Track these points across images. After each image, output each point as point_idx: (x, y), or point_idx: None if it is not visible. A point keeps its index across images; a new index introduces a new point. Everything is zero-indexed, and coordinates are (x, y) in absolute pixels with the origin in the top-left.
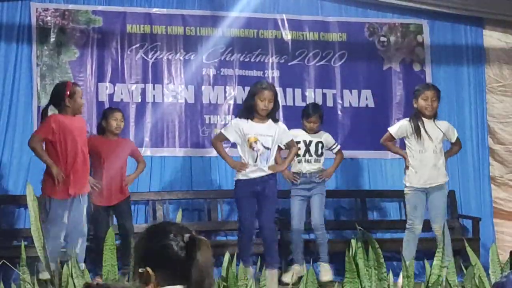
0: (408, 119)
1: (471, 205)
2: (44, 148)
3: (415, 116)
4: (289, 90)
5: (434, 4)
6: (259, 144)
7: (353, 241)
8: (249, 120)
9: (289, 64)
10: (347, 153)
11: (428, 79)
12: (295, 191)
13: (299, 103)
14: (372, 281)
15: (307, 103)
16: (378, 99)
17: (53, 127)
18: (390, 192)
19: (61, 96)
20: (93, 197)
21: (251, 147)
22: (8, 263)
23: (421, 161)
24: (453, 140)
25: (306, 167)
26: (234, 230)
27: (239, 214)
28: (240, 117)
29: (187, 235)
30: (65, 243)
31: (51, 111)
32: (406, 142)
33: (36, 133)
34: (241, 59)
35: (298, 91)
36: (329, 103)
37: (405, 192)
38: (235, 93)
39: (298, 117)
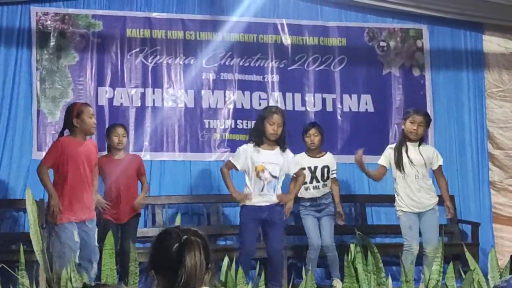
0: (393, 145)
1: (470, 210)
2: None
3: (400, 142)
4: (288, 95)
5: (433, 9)
6: (267, 173)
7: (352, 246)
8: (257, 147)
9: (289, 68)
10: (346, 158)
11: (428, 84)
12: (305, 211)
13: (298, 107)
14: (371, 285)
15: (307, 107)
16: (378, 104)
17: (58, 151)
18: (390, 197)
19: (69, 117)
20: (105, 213)
21: (258, 176)
22: (7, 267)
23: (404, 188)
24: (434, 168)
25: (314, 194)
26: (233, 235)
27: (240, 238)
28: (248, 143)
29: (184, 238)
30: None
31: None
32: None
33: (44, 162)
34: (241, 63)
35: (297, 96)
36: (329, 107)
37: (397, 215)
38: (235, 98)
39: (297, 121)
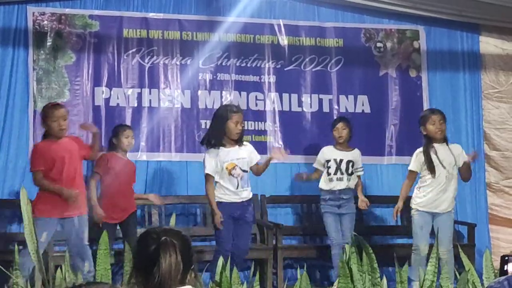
0: (421, 149)
1: (466, 211)
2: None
3: (427, 144)
4: (285, 95)
5: (430, 10)
6: (238, 169)
7: (347, 246)
8: (221, 148)
9: (286, 69)
10: None
11: (424, 85)
12: (326, 208)
13: (295, 108)
14: (365, 286)
15: (303, 108)
16: (374, 105)
17: (39, 156)
18: (386, 198)
19: (42, 120)
20: (104, 215)
21: (230, 174)
22: (2, 267)
23: (432, 186)
24: (460, 165)
25: (337, 185)
26: None
27: (217, 236)
28: (210, 146)
29: (162, 239)
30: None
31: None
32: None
33: (34, 170)
34: (238, 64)
35: (294, 97)
36: (326, 108)
37: (412, 213)
38: (232, 98)
39: (294, 122)
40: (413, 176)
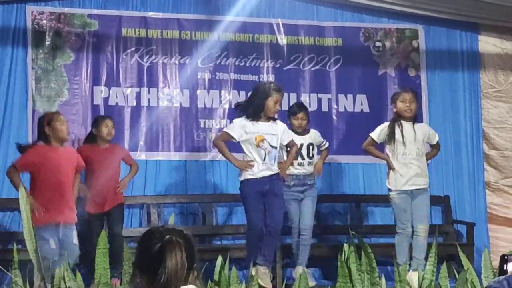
0: (387, 123)
1: (465, 210)
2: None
3: (393, 120)
4: (284, 95)
5: (429, 9)
6: (266, 143)
7: (345, 246)
8: (252, 120)
9: (284, 68)
10: (341, 158)
11: (423, 84)
12: (289, 194)
13: None
14: (364, 285)
15: None
16: (373, 104)
17: (31, 160)
18: (385, 197)
19: (41, 127)
20: (87, 206)
21: (258, 145)
22: (1, 267)
23: (405, 164)
24: (434, 143)
25: (299, 170)
26: (229, 234)
27: (248, 215)
28: (245, 117)
29: (166, 237)
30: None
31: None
32: (387, 146)
33: (13, 165)
34: (236, 63)
35: (293, 96)
36: (324, 107)
37: (390, 196)
38: (230, 97)
39: None
40: (370, 143)
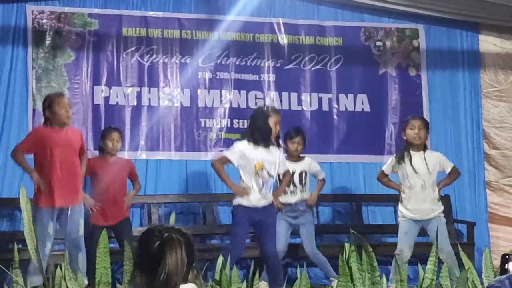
0: (395, 154)
1: (466, 209)
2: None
3: (402, 150)
4: (285, 94)
5: (430, 8)
6: (265, 172)
7: (346, 245)
8: (254, 145)
9: (285, 68)
10: (342, 158)
11: (424, 84)
12: (281, 216)
13: (295, 107)
14: (365, 285)
15: (303, 107)
16: (374, 103)
17: (33, 140)
18: (385, 196)
19: (43, 109)
20: (93, 217)
21: (257, 173)
22: (1, 266)
23: (410, 197)
24: (448, 170)
25: (291, 199)
26: (229, 234)
27: (232, 239)
28: (246, 141)
29: (165, 235)
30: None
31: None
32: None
33: (17, 147)
34: (237, 62)
35: (294, 95)
36: (325, 107)
37: (398, 219)
38: (231, 97)
39: (293, 121)
40: (382, 175)
